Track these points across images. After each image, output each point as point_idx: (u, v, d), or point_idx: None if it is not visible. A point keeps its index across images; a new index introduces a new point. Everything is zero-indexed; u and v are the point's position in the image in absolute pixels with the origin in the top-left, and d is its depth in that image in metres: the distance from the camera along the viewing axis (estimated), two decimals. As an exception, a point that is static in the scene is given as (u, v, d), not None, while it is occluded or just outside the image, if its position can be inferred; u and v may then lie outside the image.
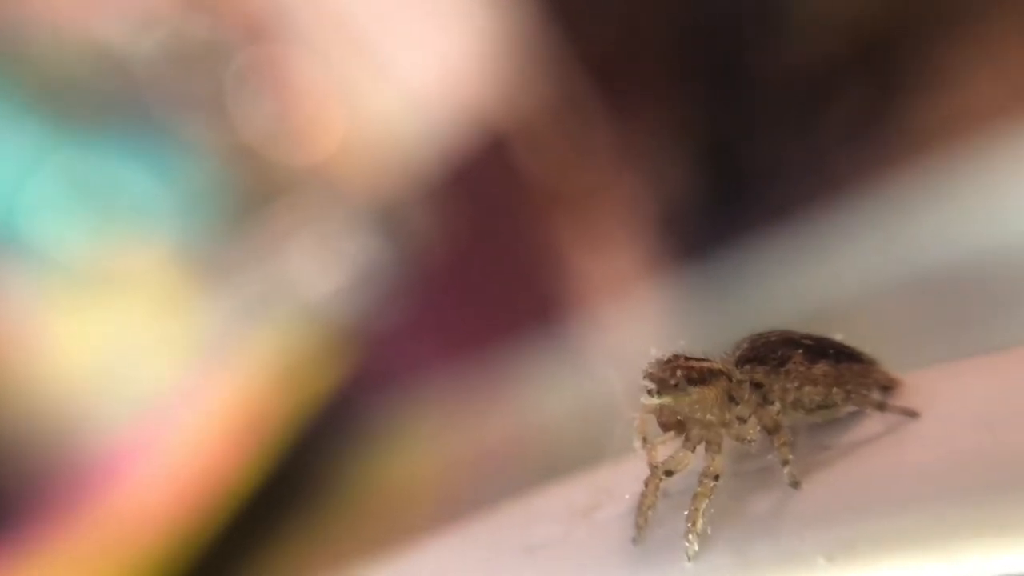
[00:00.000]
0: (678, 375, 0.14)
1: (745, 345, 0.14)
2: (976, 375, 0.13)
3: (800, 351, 0.14)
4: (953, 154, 0.54)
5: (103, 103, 0.57)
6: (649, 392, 0.14)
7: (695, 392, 0.14)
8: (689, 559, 0.13)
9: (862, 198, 0.56)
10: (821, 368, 0.14)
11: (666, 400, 0.14)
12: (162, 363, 0.59)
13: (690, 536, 0.13)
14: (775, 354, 0.14)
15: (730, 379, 0.14)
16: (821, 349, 0.14)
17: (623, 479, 0.14)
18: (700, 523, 0.13)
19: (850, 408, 0.14)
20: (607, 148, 0.63)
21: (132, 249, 0.59)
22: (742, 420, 0.14)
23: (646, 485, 0.14)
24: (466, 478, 0.54)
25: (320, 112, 0.62)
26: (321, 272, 0.60)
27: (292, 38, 0.60)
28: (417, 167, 0.62)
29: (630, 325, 0.60)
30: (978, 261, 0.51)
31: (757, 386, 0.14)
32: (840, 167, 0.59)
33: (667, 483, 0.14)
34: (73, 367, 0.57)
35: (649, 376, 0.14)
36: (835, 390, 0.14)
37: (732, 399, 0.14)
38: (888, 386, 0.14)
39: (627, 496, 0.14)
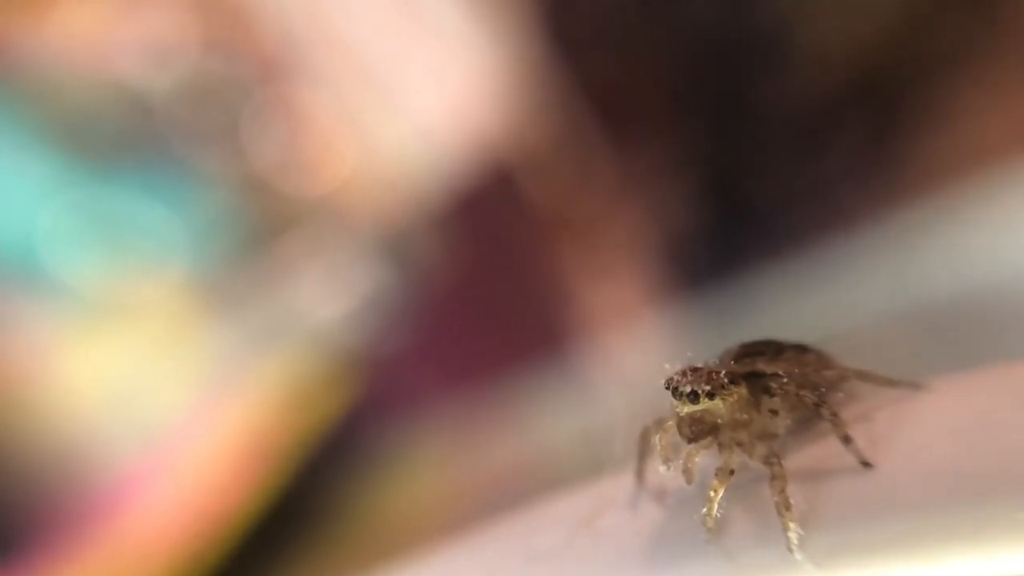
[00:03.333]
0: (720, 377, 0.14)
1: (736, 348, 0.15)
2: (957, 389, 0.14)
3: (789, 346, 0.15)
4: (958, 187, 0.55)
5: (120, 137, 0.58)
6: (694, 397, 0.14)
7: (735, 391, 0.14)
8: (707, 539, 0.13)
9: (866, 230, 0.57)
10: (812, 356, 0.15)
11: (715, 403, 0.14)
12: (173, 389, 0.59)
13: (708, 521, 0.13)
14: (769, 348, 0.15)
15: (763, 374, 0.14)
16: (803, 346, 0.15)
17: (624, 489, 0.15)
18: (715, 511, 0.13)
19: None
20: (611, 178, 0.64)
21: (145, 278, 0.60)
22: (774, 413, 0.14)
23: (714, 492, 0.13)
24: (471, 504, 0.54)
25: (330, 144, 0.63)
26: (329, 299, 0.61)
27: (305, 74, 0.61)
28: (424, 197, 0.63)
29: (634, 353, 0.60)
30: (982, 295, 0.51)
31: (759, 375, 0.14)
32: (844, 199, 0.60)
33: (660, 492, 0.14)
34: (85, 393, 0.58)
35: (696, 382, 0.14)
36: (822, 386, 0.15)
37: (768, 392, 0.14)
38: (862, 379, 0.15)
39: (627, 505, 0.15)
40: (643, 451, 0.15)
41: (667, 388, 0.14)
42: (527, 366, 0.61)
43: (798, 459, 0.14)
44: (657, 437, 0.14)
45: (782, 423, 0.14)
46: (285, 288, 0.61)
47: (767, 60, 0.62)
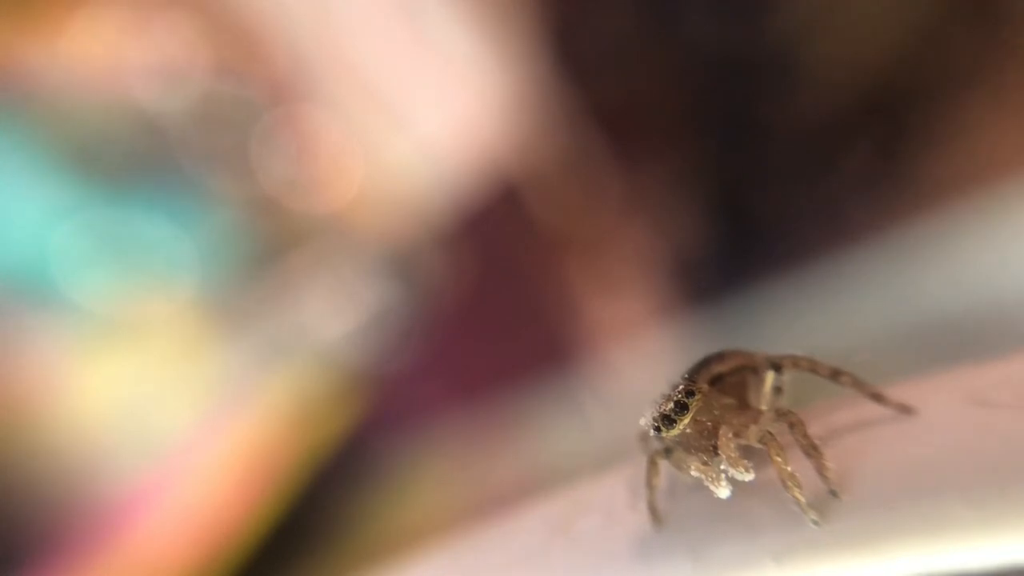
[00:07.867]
0: (681, 385, 0.14)
1: (686, 368, 0.15)
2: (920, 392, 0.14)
3: (730, 352, 0.15)
4: (964, 204, 0.55)
5: (131, 157, 0.59)
6: (681, 407, 0.14)
7: (702, 386, 0.14)
8: (817, 523, 0.13)
9: (872, 246, 0.57)
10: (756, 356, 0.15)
11: (697, 400, 0.14)
12: (182, 406, 0.60)
13: (798, 494, 0.13)
14: (712, 357, 0.15)
15: (723, 374, 0.15)
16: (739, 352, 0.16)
17: (599, 493, 0.15)
18: (791, 472, 0.13)
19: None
20: (618, 195, 0.65)
21: (155, 296, 0.60)
22: (779, 391, 0.15)
23: (780, 458, 0.13)
24: (477, 519, 0.55)
25: (338, 164, 0.64)
26: (336, 316, 0.62)
27: (314, 95, 0.62)
28: (431, 215, 0.64)
29: (640, 369, 0.61)
30: (989, 311, 0.51)
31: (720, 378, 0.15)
32: (851, 215, 0.60)
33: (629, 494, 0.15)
34: (95, 410, 0.58)
35: (667, 401, 0.14)
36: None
37: (777, 369, 0.15)
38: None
39: (603, 510, 0.15)
40: (652, 486, 0.15)
41: (656, 428, 0.14)
42: (533, 382, 0.61)
43: (757, 466, 0.14)
44: (692, 469, 0.14)
45: (771, 403, 0.15)
46: (293, 305, 0.62)
47: (774, 78, 0.62)
